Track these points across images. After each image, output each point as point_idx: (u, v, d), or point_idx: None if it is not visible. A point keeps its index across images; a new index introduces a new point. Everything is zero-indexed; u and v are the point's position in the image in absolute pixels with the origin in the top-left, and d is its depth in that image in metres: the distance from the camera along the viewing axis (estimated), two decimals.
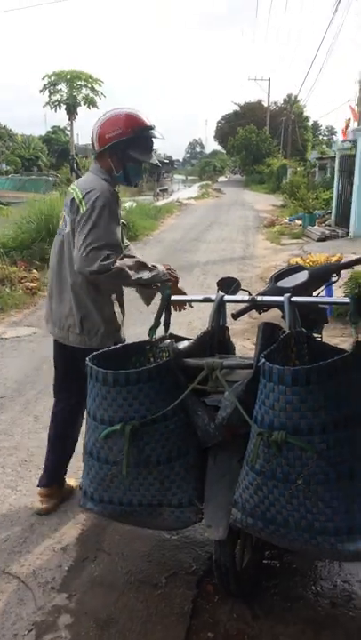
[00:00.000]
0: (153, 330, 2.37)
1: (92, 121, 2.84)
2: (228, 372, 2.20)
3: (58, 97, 30.87)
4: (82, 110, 31.07)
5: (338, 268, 2.80)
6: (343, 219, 14.47)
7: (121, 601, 2.34)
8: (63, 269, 2.80)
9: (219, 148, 64.47)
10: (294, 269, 2.81)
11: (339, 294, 5.96)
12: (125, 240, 2.99)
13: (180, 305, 2.80)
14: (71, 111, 31.20)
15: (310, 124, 52.99)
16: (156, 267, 2.78)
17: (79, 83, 30.53)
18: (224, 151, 65.30)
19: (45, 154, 47.45)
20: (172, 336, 2.48)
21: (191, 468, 2.11)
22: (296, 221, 17.43)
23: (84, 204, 2.64)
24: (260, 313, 2.86)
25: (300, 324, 2.19)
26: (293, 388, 1.74)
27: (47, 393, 3.70)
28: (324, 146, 34.57)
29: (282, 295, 2.34)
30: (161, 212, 20.87)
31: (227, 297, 2.48)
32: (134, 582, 2.44)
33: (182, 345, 2.30)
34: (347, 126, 18.09)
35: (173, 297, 2.50)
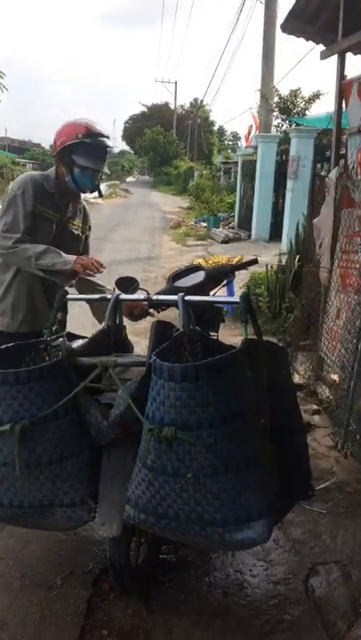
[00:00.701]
0: (48, 329, 2.35)
1: None
2: (124, 371, 2.21)
3: None
4: None
5: (232, 268, 2.91)
6: (246, 222, 14.95)
7: (14, 604, 2.29)
8: None
9: (127, 148, 64.34)
10: (191, 269, 2.88)
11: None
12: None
13: (137, 310, 2.80)
14: None
15: (216, 128, 54.08)
16: (64, 256, 2.79)
17: None
18: (132, 152, 65.31)
19: None
20: (70, 335, 2.46)
21: (84, 467, 2.10)
22: (201, 223, 17.79)
23: (9, 189, 2.96)
24: (158, 312, 2.91)
25: (193, 323, 2.25)
26: (183, 384, 1.77)
27: None
28: (229, 151, 35.50)
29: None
30: None
31: (122, 296, 2.50)
32: (29, 585, 2.40)
33: (77, 344, 2.28)
34: (249, 132, 18.70)
35: (69, 296, 2.48)
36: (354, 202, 3.95)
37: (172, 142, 50.21)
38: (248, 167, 15.41)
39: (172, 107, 56.49)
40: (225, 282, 2.91)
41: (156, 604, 2.32)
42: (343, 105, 4.37)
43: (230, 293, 5.29)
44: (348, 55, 4.52)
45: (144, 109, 62.56)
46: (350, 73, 4.36)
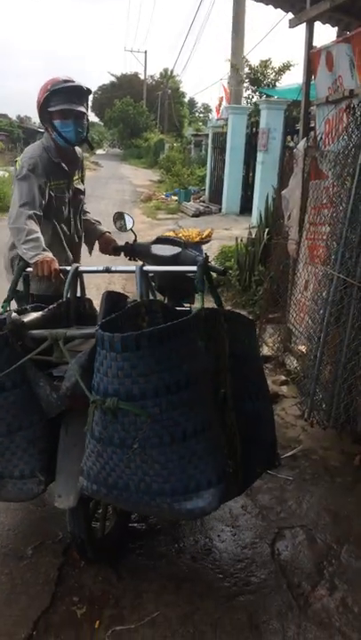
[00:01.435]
0: (7, 302, 2.31)
1: None
2: (83, 343, 2.20)
3: None
4: None
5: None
6: (216, 195, 14.88)
7: None
8: None
9: (96, 119, 63.04)
10: (170, 241, 2.92)
11: None
12: (83, 207, 3.31)
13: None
14: None
15: (187, 100, 53.33)
16: (40, 252, 2.73)
17: None
18: (102, 123, 64.01)
19: None
20: (35, 308, 2.43)
21: (35, 440, 2.10)
22: (172, 197, 17.64)
23: (18, 165, 2.99)
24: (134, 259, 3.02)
25: (154, 293, 2.24)
26: (124, 354, 1.76)
27: None
28: (200, 123, 35.11)
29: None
30: None
31: (81, 267, 2.48)
32: None
33: (30, 317, 2.24)
34: (220, 104, 18.50)
35: (30, 268, 2.45)
36: (322, 173, 3.96)
37: (142, 114, 49.39)
38: (219, 139, 15.28)
39: (142, 77, 55.46)
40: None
41: (125, 571, 2.36)
42: (313, 76, 4.35)
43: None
44: (318, 26, 4.48)
45: (113, 79, 61.22)
46: (320, 44, 4.33)
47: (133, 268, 2.30)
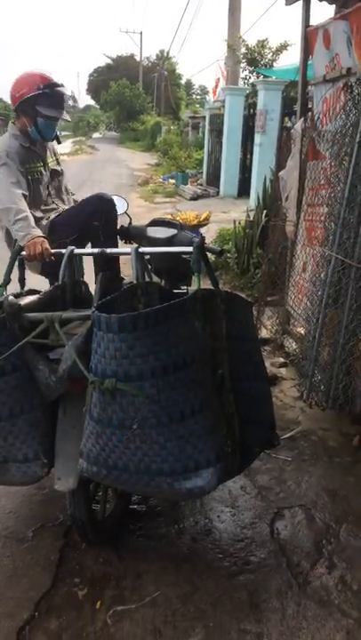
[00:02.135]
0: (3, 287, 2.30)
1: None
2: (79, 325, 2.19)
3: None
4: None
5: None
6: (214, 178, 14.78)
7: None
8: None
9: (92, 102, 62.42)
10: (167, 223, 2.91)
11: None
12: (65, 188, 3.36)
13: None
14: None
15: (183, 82, 52.74)
16: (30, 232, 2.79)
17: None
18: (98, 106, 63.37)
19: None
20: (30, 292, 2.43)
21: (37, 423, 2.10)
22: (170, 180, 17.53)
23: None
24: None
25: (150, 275, 2.23)
26: (121, 335, 1.76)
27: None
28: (197, 105, 34.74)
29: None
30: None
31: (77, 250, 2.47)
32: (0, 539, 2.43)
33: (26, 300, 2.23)
34: (217, 85, 18.29)
35: (24, 252, 2.43)
36: (320, 154, 3.93)
37: (138, 96, 48.83)
38: (216, 121, 15.14)
39: (138, 58, 54.78)
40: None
41: (126, 552, 2.38)
42: (310, 55, 4.29)
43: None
44: (315, 4, 4.42)
45: (109, 61, 60.51)
46: (317, 22, 4.27)
47: (129, 250, 2.28)
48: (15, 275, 2.53)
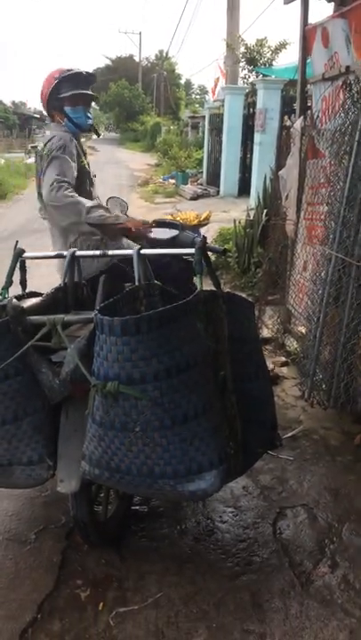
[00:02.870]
0: (5, 289, 2.30)
1: None
2: (81, 328, 2.19)
3: None
4: None
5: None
6: (214, 177, 14.77)
7: None
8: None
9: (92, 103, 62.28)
10: (169, 224, 2.91)
11: None
12: (93, 191, 3.29)
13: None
14: None
15: (183, 82, 52.68)
16: (112, 212, 2.90)
17: None
18: (97, 107, 63.37)
19: None
20: (31, 294, 2.42)
21: (41, 426, 2.10)
22: (170, 180, 17.53)
23: (46, 150, 2.95)
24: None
25: (152, 277, 2.23)
26: (123, 338, 1.75)
27: None
28: (197, 105, 34.73)
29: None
30: (32, 169, 19.99)
31: (78, 252, 2.47)
32: (2, 541, 2.43)
33: (28, 303, 2.23)
34: (216, 85, 18.26)
35: (26, 254, 2.43)
36: (319, 152, 3.92)
37: (137, 96, 48.80)
38: (216, 121, 15.13)
39: (137, 59, 54.73)
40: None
41: (128, 553, 2.38)
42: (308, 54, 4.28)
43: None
44: (313, 2, 4.40)
45: (108, 62, 60.48)
46: (316, 21, 4.26)
47: (131, 251, 2.28)
48: (16, 277, 2.52)
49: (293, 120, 4.90)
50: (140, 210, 12.35)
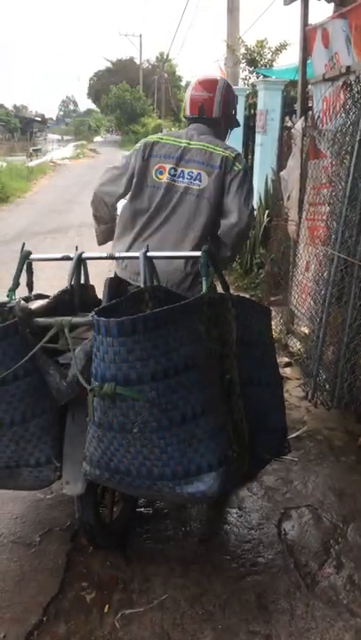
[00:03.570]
0: (12, 291, 2.31)
1: None
2: (87, 330, 2.19)
3: None
4: None
5: None
6: None
7: None
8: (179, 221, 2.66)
9: (93, 106, 62.44)
10: None
11: None
12: None
13: None
14: None
15: (184, 83, 52.69)
16: None
17: None
18: (98, 110, 63.46)
19: None
20: (38, 296, 2.43)
21: (48, 428, 2.10)
22: None
23: (238, 163, 2.66)
24: None
25: (158, 279, 2.22)
26: (120, 339, 1.75)
27: None
28: None
29: None
30: (34, 172, 20.07)
31: (85, 254, 2.47)
32: (7, 544, 2.43)
33: (35, 304, 2.24)
34: None
35: (33, 256, 2.43)
36: (320, 153, 3.93)
37: (138, 99, 48.87)
38: None
39: (138, 62, 54.81)
40: None
41: (133, 555, 2.37)
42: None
43: None
44: (313, 3, 4.41)
45: (109, 65, 60.63)
46: (316, 22, 4.26)
47: (137, 254, 2.28)
48: (23, 279, 2.53)
49: (294, 121, 4.92)
50: None
